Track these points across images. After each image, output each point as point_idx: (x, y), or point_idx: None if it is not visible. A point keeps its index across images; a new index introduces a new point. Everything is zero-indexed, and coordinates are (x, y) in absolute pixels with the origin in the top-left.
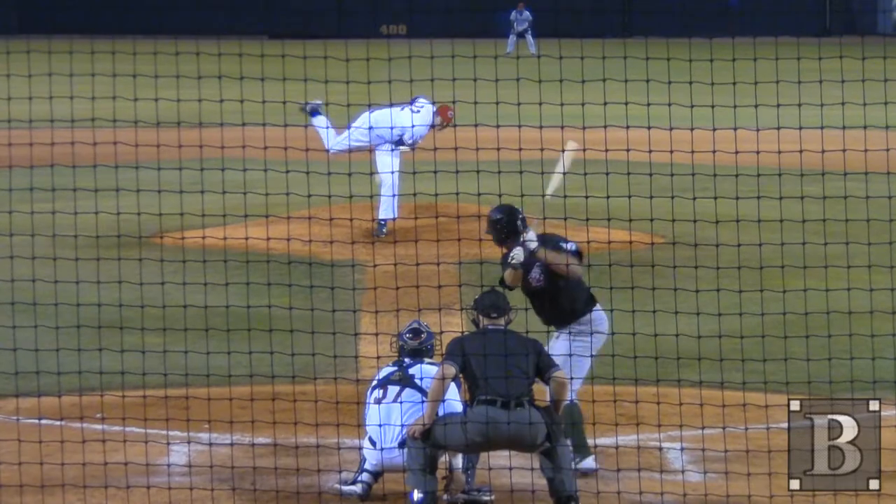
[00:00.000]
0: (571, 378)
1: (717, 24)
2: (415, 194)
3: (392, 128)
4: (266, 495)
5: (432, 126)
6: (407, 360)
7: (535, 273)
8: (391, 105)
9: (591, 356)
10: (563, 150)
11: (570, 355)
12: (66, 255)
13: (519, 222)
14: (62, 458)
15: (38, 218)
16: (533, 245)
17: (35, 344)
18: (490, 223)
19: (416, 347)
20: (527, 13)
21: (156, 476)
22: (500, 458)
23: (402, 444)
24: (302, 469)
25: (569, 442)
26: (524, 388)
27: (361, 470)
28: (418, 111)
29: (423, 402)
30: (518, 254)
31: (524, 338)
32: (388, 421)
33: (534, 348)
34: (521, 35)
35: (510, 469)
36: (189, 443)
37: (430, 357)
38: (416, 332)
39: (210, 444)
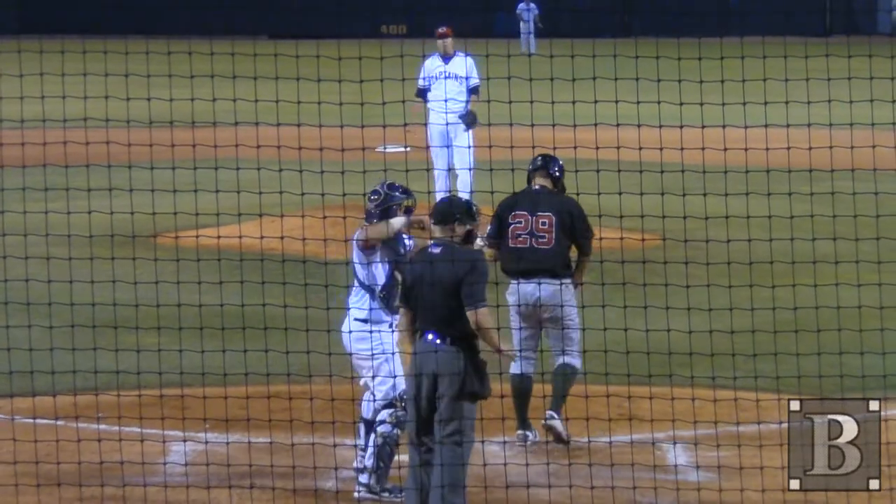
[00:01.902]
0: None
1: (717, 24)
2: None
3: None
4: (264, 494)
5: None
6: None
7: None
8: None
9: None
10: None
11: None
12: (60, 255)
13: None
14: (58, 457)
15: (31, 217)
16: None
17: (29, 343)
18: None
19: (373, 211)
20: (534, 6)
21: (153, 475)
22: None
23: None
24: (298, 468)
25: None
26: (441, 320)
27: (359, 469)
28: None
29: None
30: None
31: (461, 259)
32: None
33: (456, 277)
34: (528, 32)
35: (505, 465)
36: (185, 441)
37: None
38: (374, 193)
39: (206, 443)
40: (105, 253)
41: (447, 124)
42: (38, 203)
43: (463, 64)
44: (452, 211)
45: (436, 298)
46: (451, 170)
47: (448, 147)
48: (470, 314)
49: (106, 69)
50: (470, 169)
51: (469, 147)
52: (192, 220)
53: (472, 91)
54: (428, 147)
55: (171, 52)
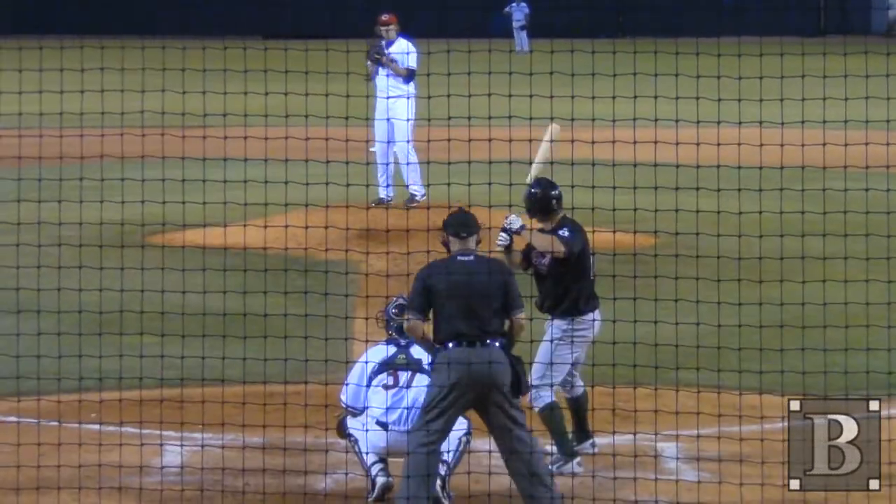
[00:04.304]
0: (552, 384)
1: (711, 23)
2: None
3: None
4: (255, 495)
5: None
6: (401, 339)
7: (540, 259)
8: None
9: (571, 363)
10: (544, 140)
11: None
12: (65, 255)
13: (553, 201)
14: (59, 458)
15: (45, 210)
16: (516, 226)
17: (38, 329)
18: (525, 196)
19: (402, 323)
20: (524, 6)
21: (148, 477)
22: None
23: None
24: (290, 469)
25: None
26: (491, 325)
27: (369, 471)
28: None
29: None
30: (502, 238)
31: (494, 268)
32: (398, 405)
33: (500, 283)
34: (520, 30)
35: (489, 474)
36: (182, 444)
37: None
38: (402, 309)
39: (202, 445)
40: (110, 254)
41: (388, 98)
42: (52, 199)
43: (400, 49)
44: (473, 223)
45: (472, 305)
46: (390, 142)
47: (388, 120)
48: (520, 316)
49: (122, 65)
50: (408, 141)
51: (407, 120)
52: (199, 218)
53: (408, 76)
54: (369, 119)
55: (185, 48)
